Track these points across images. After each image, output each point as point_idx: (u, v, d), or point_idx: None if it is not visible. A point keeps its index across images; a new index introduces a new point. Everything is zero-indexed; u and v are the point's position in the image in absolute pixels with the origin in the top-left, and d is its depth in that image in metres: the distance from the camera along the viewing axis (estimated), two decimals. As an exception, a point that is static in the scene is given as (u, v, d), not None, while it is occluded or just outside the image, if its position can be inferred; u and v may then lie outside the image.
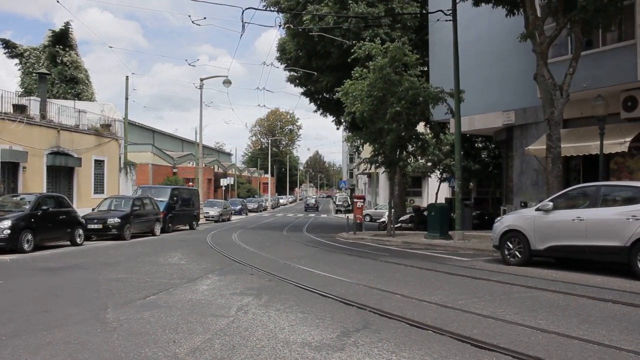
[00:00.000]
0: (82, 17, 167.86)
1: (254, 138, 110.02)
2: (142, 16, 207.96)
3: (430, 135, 22.68)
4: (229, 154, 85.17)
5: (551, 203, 10.66)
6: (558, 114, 13.24)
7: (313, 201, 66.75)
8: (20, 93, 29.07)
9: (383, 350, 4.82)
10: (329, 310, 6.54)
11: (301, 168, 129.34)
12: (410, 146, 20.35)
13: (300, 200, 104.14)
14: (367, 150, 22.92)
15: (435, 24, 19.98)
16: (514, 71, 17.67)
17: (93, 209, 20.40)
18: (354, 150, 23.30)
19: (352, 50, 18.97)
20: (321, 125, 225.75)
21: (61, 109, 24.75)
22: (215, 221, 34.16)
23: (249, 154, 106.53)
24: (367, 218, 33.37)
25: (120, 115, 31.03)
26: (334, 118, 30.08)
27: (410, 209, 27.48)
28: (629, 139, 13.36)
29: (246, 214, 47.47)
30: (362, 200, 24.75)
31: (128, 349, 4.86)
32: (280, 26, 25.70)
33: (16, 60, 37.41)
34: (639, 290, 8.04)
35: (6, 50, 37.28)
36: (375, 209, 41.62)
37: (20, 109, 21.47)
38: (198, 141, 37.40)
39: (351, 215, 25.07)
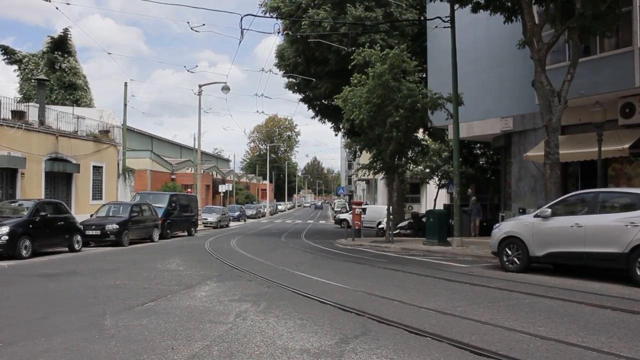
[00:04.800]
0: (83, 24, 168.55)
1: (252, 144, 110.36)
2: (144, 23, 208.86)
3: (429, 141, 22.71)
4: (228, 160, 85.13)
5: (550, 209, 10.65)
6: (556, 120, 13.27)
7: (319, 203, 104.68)
8: (19, 99, 29.01)
9: (382, 357, 4.80)
10: (328, 317, 6.52)
11: (299, 174, 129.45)
12: (409, 152, 20.36)
13: (298, 206, 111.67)
14: (365, 156, 22.94)
15: (433, 31, 20.05)
16: (512, 77, 17.73)
17: (91, 215, 20.39)
18: (352, 155, 23.36)
19: (351, 57, 19.00)
20: (320, 132, 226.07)
21: (60, 115, 24.75)
22: (214, 227, 34.11)
23: (248, 160, 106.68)
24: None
25: (119, 122, 31.03)
26: (333, 124, 30.14)
27: (409, 215, 27.47)
28: (626, 146, 13.38)
29: (245, 220, 47.41)
30: (360, 207, 24.69)
31: (126, 356, 4.84)
32: (278, 32, 25.80)
33: (15, 67, 37.48)
34: (637, 297, 8.04)
35: (5, 57, 37.37)
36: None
37: (18, 115, 21.50)
38: (196, 147, 37.39)
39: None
